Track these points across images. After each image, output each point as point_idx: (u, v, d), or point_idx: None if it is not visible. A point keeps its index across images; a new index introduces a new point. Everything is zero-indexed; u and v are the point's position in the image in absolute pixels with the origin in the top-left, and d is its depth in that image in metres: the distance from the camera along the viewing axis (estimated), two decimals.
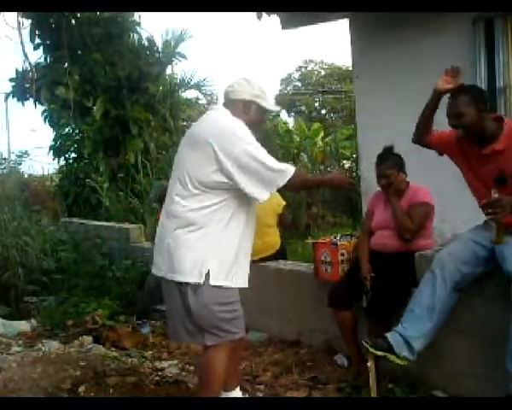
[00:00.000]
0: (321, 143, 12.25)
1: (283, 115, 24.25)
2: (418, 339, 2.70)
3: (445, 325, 2.77)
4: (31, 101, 8.28)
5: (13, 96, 8.39)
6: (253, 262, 4.42)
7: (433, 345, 2.81)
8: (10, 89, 8.43)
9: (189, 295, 2.47)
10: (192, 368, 3.66)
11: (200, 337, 2.55)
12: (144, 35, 9.47)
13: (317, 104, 29.72)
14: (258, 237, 4.36)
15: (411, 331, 2.70)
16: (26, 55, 7.34)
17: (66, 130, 10.25)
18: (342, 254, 3.51)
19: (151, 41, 9.25)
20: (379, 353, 2.72)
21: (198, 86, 10.57)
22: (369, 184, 4.59)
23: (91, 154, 9.06)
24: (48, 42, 7.85)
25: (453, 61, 4.47)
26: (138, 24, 9.04)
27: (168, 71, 10.33)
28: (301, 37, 73.07)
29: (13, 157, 12.43)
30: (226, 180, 2.45)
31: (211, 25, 56.22)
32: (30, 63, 7.56)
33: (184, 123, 10.80)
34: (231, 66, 47.60)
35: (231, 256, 2.56)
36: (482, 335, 2.80)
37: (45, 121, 10.03)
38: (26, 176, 12.88)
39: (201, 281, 2.46)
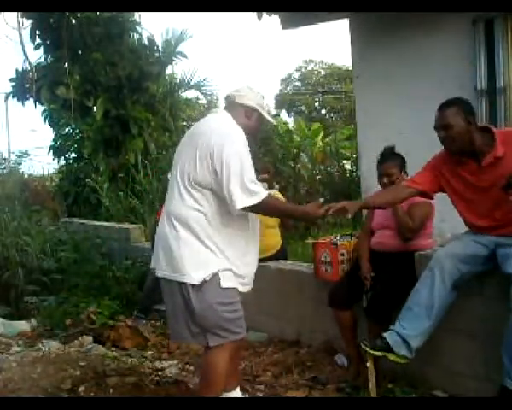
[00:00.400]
0: (321, 143, 12.25)
1: (283, 115, 24.26)
2: (416, 337, 2.70)
3: (445, 324, 2.77)
4: (31, 101, 8.27)
5: (13, 96, 8.38)
6: None
7: (432, 345, 2.81)
8: (10, 89, 8.43)
9: (191, 296, 2.47)
10: (192, 368, 3.66)
11: (203, 338, 2.55)
12: (144, 35, 9.49)
13: (317, 104, 29.72)
14: (259, 238, 4.38)
15: (409, 330, 2.70)
16: (26, 55, 7.34)
17: (66, 130, 10.24)
18: (342, 254, 3.51)
19: (151, 41, 9.25)
20: (377, 353, 2.72)
21: (198, 86, 10.57)
22: (369, 184, 4.60)
23: (91, 154, 9.05)
24: (48, 42, 7.84)
25: (453, 61, 4.52)
26: (138, 24, 9.04)
27: (168, 71, 10.34)
28: (301, 37, 73.16)
29: (13, 157, 12.43)
30: (213, 181, 2.47)
31: (211, 25, 56.28)
32: (30, 63, 7.56)
33: (184, 123, 10.79)
34: (231, 66, 47.64)
35: (236, 257, 2.56)
36: (482, 334, 2.80)
37: (45, 121, 10.03)
38: (26, 176, 12.87)
39: (203, 282, 2.46)
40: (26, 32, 7.26)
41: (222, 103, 11.80)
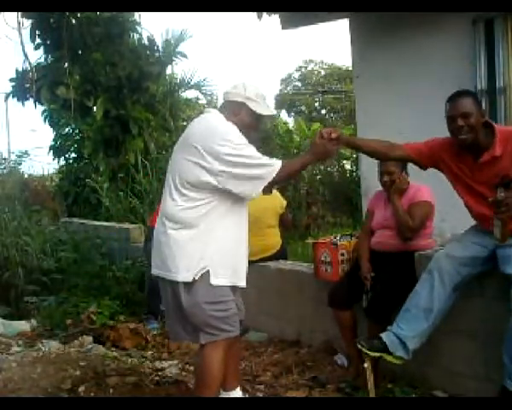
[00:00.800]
0: None
1: (283, 115, 24.26)
2: (413, 339, 2.69)
3: (445, 324, 2.77)
4: (31, 101, 8.27)
5: (13, 96, 8.38)
6: (253, 262, 4.46)
7: (432, 345, 2.82)
8: (10, 89, 8.43)
9: (181, 294, 2.50)
10: (192, 368, 3.66)
11: (196, 336, 2.57)
12: (144, 35, 9.48)
13: (317, 104, 29.69)
14: (260, 238, 4.39)
15: (407, 331, 2.69)
16: (26, 55, 7.34)
17: (66, 130, 10.24)
18: (342, 254, 3.52)
19: (151, 41, 9.25)
20: (374, 354, 2.72)
21: (198, 86, 10.57)
22: (369, 184, 4.60)
23: (91, 154, 9.05)
24: (48, 42, 7.84)
25: (453, 61, 4.52)
26: (138, 24, 9.04)
27: (168, 71, 10.34)
28: (301, 37, 73.14)
29: (13, 157, 12.43)
30: (214, 182, 2.49)
31: (211, 25, 56.27)
32: (30, 63, 7.56)
33: (184, 123, 10.78)
34: (231, 66, 47.61)
35: (227, 255, 2.57)
36: (482, 335, 2.80)
37: (45, 121, 10.02)
38: (26, 176, 12.87)
39: (192, 279, 2.48)
40: (26, 32, 7.26)
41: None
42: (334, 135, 2.64)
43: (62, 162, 10.41)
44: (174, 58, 9.96)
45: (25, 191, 11.11)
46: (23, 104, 8.65)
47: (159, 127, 9.64)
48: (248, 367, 3.61)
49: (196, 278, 2.49)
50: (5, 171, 11.97)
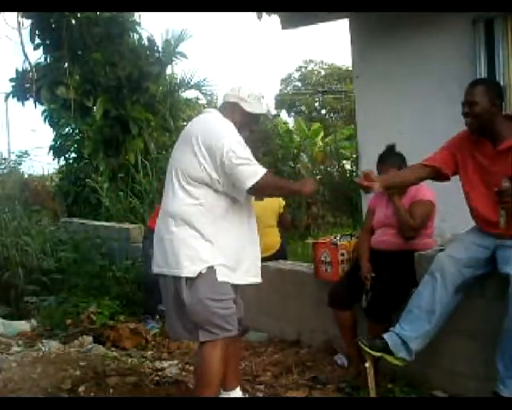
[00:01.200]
0: (321, 143, 12.25)
1: (283, 115, 24.25)
2: (416, 340, 2.69)
3: (445, 325, 2.77)
4: (31, 101, 8.27)
5: (13, 96, 8.38)
6: None
7: (433, 345, 2.81)
8: (10, 89, 8.42)
9: (183, 290, 2.51)
10: (192, 368, 3.66)
11: (196, 334, 2.57)
12: (144, 35, 9.48)
13: (317, 104, 29.69)
14: (259, 238, 4.39)
15: (409, 332, 2.69)
16: (26, 55, 7.34)
17: (66, 130, 10.24)
18: (342, 254, 3.52)
19: (151, 41, 9.24)
20: (376, 353, 2.72)
21: (198, 86, 10.57)
22: None
23: (91, 154, 9.05)
24: (48, 42, 7.84)
25: (453, 61, 4.51)
26: (138, 24, 9.04)
27: (168, 71, 10.34)
28: (301, 37, 73.11)
29: (13, 157, 12.42)
30: (211, 177, 2.53)
31: (211, 25, 56.25)
32: (30, 63, 7.56)
33: (184, 123, 10.78)
34: (231, 66, 47.63)
35: (231, 251, 2.59)
36: (482, 335, 2.80)
37: (45, 121, 10.03)
38: (26, 176, 12.87)
39: (197, 275, 2.49)
40: (26, 32, 7.26)
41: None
42: (375, 184, 2.73)
43: (62, 162, 10.41)
44: (174, 58, 9.96)
45: (25, 191, 11.11)
46: (23, 104, 8.65)
47: (159, 127, 9.64)
48: (248, 367, 3.61)
49: (202, 273, 2.50)
50: (5, 171, 11.97)
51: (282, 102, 28.88)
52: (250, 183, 2.47)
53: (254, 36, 61.28)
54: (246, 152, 2.54)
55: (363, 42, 5.11)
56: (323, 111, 29.19)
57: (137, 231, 6.33)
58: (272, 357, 3.78)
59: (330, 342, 3.75)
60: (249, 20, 22.93)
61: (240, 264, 2.65)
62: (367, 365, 2.84)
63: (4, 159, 12.40)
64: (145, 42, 9.31)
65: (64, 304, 5.25)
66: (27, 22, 7.17)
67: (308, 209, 9.00)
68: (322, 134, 12.96)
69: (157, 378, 3.35)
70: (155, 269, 2.65)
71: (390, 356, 2.69)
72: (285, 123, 13.07)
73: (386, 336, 2.74)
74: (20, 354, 3.68)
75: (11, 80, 8.43)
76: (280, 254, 4.53)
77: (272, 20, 5.06)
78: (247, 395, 3.00)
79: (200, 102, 14.02)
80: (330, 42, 53.28)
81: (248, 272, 2.71)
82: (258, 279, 2.78)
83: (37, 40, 8.11)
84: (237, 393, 2.83)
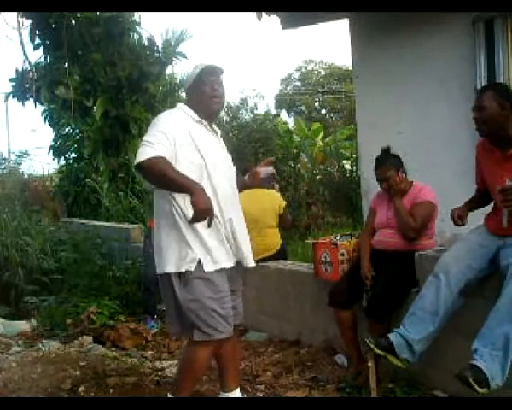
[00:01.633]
0: (321, 143, 12.25)
1: (283, 115, 24.25)
2: (420, 341, 2.68)
3: (446, 325, 2.77)
4: (31, 101, 8.26)
5: (13, 96, 8.37)
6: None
7: (433, 345, 2.81)
8: (10, 89, 8.42)
9: (176, 287, 2.50)
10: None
11: (191, 331, 2.56)
12: (144, 35, 9.47)
13: (317, 104, 29.69)
14: (260, 238, 4.39)
15: (413, 334, 2.68)
16: (26, 55, 7.33)
17: (66, 130, 10.25)
18: (342, 254, 3.52)
19: (151, 41, 9.23)
20: (381, 352, 2.71)
21: None
22: (369, 184, 4.60)
23: (91, 154, 9.05)
24: (48, 42, 7.83)
25: (453, 61, 4.51)
26: (138, 24, 9.03)
27: (168, 71, 10.33)
28: (301, 37, 73.11)
29: (13, 157, 12.42)
30: None
31: (211, 25, 56.24)
32: (30, 63, 7.55)
33: None
34: (231, 66, 47.59)
35: (211, 241, 2.52)
36: None
37: (45, 121, 10.03)
38: (26, 176, 12.88)
39: (189, 273, 2.47)
40: (26, 32, 7.25)
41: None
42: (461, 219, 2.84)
43: (62, 162, 10.42)
44: (174, 58, 9.95)
45: (25, 191, 11.11)
46: (23, 104, 8.64)
47: None
48: (248, 367, 3.61)
49: (191, 270, 2.47)
50: (5, 171, 11.97)
51: (282, 102, 28.87)
52: (136, 160, 2.38)
53: (254, 36, 61.30)
54: (154, 137, 2.43)
55: (363, 42, 5.11)
56: (323, 111, 29.19)
57: (137, 231, 6.33)
58: (272, 357, 3.78)
59: (330, 342, 3.75)
60: (249, 20, 22.94)
61: (222, 249, 2.57)
62: (369, 364, 2.84)
63: (4, 159, 12.39)
64: (145, 42, 9.31)
65: (64, 304, 5.25)
66: (27, 22, 7.16)
67: (308, 209, 9.00)
68: (322, 134, 12.96)
69: (157, 378, 3.35)
70: (157, 271, 2.65)
71: (394, 358, 2.68)
72: (285, 123, 13.06)
73: (391, 335, 2.73)
74: (20, 354, 3.68)
75: (11, 80, 8.42)
76: (280, 255, 4.53)
77: (272, 20, 5.06)
78: (245, 396, 3.00)
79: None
80: (330, 42, 53.32)
81: (247, 252, 2.67)
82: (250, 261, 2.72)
83: (37, 40, 8.11)
84: (236, 395, 2.81)
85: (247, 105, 10.41)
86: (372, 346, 2.72)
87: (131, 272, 5.58)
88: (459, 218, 2.82)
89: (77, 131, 9.94)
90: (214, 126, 2.77)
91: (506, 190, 2.44)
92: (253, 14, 4.90)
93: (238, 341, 3.02)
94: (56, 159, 10.36)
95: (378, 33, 4.92)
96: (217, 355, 2.72)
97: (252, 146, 8.51)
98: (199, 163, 2.53)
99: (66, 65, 8.13)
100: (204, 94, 2.64)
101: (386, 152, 3.38)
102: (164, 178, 2.41)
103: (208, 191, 2.48)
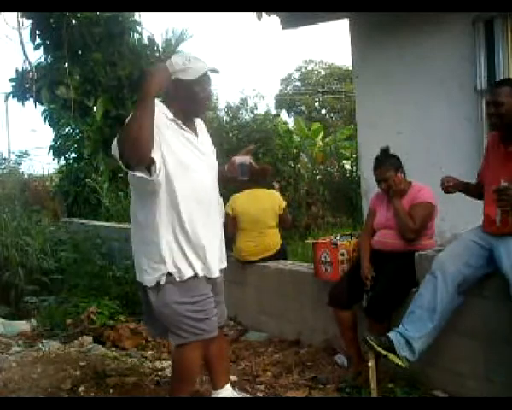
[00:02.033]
0: (321, 143, 12.25)
1: (283, 115, 24.25)
2: (419, 339, 2.70)
3: (445, 325, 2.77)
4: (31, 101, 8.25)
5: (13, 96, 8.36)
6: (253, 262, 4.47)
7: (433, 345, 2.81)
8: (10, 89, 8.42)
9: (149, 293, 2.47)
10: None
11: (166, 336, 2.56)
12: (145, 35, 9.47)
13: (317, 104, 29.70)
14: (260, 238, 4.40)
15: (412, 332, 2.70)
16: (26, 55, 7.31)
17: (66, 130, 10.24)
18: (342, 254, 3.52)
19: (152, 40, 9.23)
20: (382, 351, 2.72)
21: None
22: (369, 184, 4.59)
23: (91, 154, 9.05)
24: (48, 42, 7.81)
25: (453, 61, 4.51)
26: (139, 24, 9.02)
27: None
28: (301, 37, 73.11)
29: (13, 157, 12.41)
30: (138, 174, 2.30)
31: (211, 25, 56.24)
32: (30, 63, 7.54)
33: None
34: (231, 66, 47.59)
35: (178, 249, 2.44)
36: (482, 335, 2.80)
37: (45, 121, 10.01)
38: (26, 176, 12.88)
39: (156, 281, 2.42)
40: (26, 32, 7.25)
41: (222, 103, 11.65)
42: (451, 183, 2.90)
43: (62, 162, 10.41)
44: None
45: (25, 191, 11.11)
46: (23, 104, 8.63)
47: None
48: (248, 367, 3.61)
49: (162, 283, 2.42)
50: (5, 171, 11.97)
51: (282, 102, 28.88)
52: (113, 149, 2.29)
53: (254, 36, 61.29)
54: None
55: (363, 42, 5.11)
56: (323, 111, 29.21)
57: None
58: (272, 357, 3.78)
59: (330, 342, 3.75)
60: (249, 20, 22.95)
61: (194, 257, 2.48)
62: (370, 364, 2.84)
63: (4, 159, 12.39)
64: (145, 42, 9.30)
65: (64, 304, 5.24)
66: (27, 22, 7.16)
67: (308, 209, 8.99)
68: (322, 134, 12.96)
69: (157, 378, 3.35)
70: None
71: (395, 357, 2.69)
72: (285, 123, 13.04)
73: (390, 334, 2.74)
74: (20, 354, 3.68)
75: (11, 80, 8.41)
76: (280, 255, 4.53)
77: (272, 20, 5.06)
78: (243, 395, 3.00)
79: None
80: (330, 42, 53.33)
81: (216, 262, 2.57)
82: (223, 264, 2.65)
83: (38, 40, 8.10)
84: (227, 391, 2.78)
85: (247, 105, 10.39)
86: (373, 345, 2.72)
87: (131, 272, 5.56)
88: (448, 181, 2.89)
89: (77, 131, 9.94)
90: (198, 120, 2.61)
91: (500, 191, 2.46)
92: (253, 14, 4.89)
93: (225, 340, 3.01)
94: (56, 159, 10.36)
95: (378, 33, 4.92)
96: (203, 357, 2.67)
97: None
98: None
99: (67, 65, 8.11)
100: (183, 97, 2.45)
101: (385, 152, 3.38)
102: (134, 124, 2.22)
103: (167, 196, 2.38)
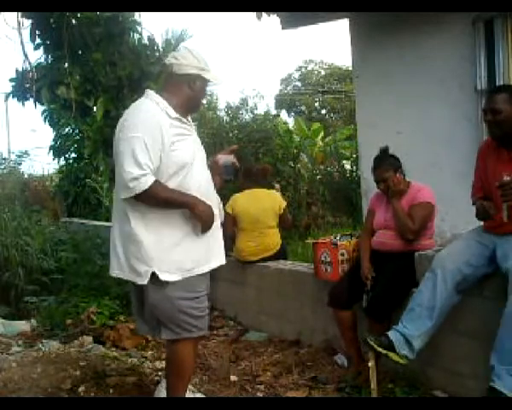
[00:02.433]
0: (321, 143, 12.24)
1: (283, 115, 24.25)
2: (418, 337, 2.70)
3: (445, 324, 2.78)
4: (31, 101, 8.25)
5: (13, 96, 8.36)
6: (253, 262, 4.47)
7: (433, 345, 2.81)
8: (10, 89, 8.41)
9: (149, 289, 2.45)
10: (191, 374, 3.65)
11: (158, 331, 2.56)
12: (145, 35, 9.47)
13: (317, 104, 29.70)
14: (260, 238, 4.40)
15: (411, 330, 2.70)
16: (26, 55, 7.31)
17: (66, 130, 10.24)
18: (342, 254, 3.52)
19: (152, 40, 9.23)
20: (383, 351, 2.72)
21: None
22: (369, 184, 4.59)
23: (91, 154, 9.05)
24: (48, 42, 7.81)
25: (453, 61, 4.51)
26: (139, 24, 9.02)
27: None
28: (301, 37, 73.10)
29: (13, 157, 12.42)
30: None
31: (211, 25, 56.24)
32: (30, 63, 7.54)
33: None
34: (231, 66, 47.59)
35: (191, 243, 2.48)
36: (482, 335, 2.80)
37: (45, 121, 10.02)
38: (26, 176, 12.87)
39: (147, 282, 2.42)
40: (26, 32, 7.25)
41: (222, 103, 11.63)
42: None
43: (62, 162, 10.41)
44: None
45: (25, 191, 11.10)
46: (23, 104, 8.63)
47: None
48: (248, 367, 3.61)
49: (146, 282, 2.42)
50: (5, 171, 11.97)
51: (282, 102, 28.87)
52: (131, 192, 2.36)
53: (254, 36, 61.29)
54: (138, 154, 2.32)
55: (363, 42, 5.11)
56: (323, 111, 29.20)
57: None
58: (272, 357, 3.78)
59: (330, 342, 3.75)
60: (249, 20, 22.97)
61: (208, 247, 2.54)
62: (370, 364, 2.84)
63: (4, 159, 12.38)
64: (145, 42, 9.30)
65: (64, 304, 5.23)
66: (27, 22, 7.16)
67: (308, 209, 8.99)
68: (322, 134, 12.95)
69: (157, 378, 3.35)
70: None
71: (395, 355, 2.69)
72: (285, 123, 13.04)
73: (389, 333, 2.75)
74: (20, 354, 3.67)
75: (11, 80, 8.41)
76: (280, 255, 4.53)
77: (272, 20, 5.06)
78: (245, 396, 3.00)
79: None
80: (330, 42, 53.31)
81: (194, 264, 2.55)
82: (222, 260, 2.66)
83: (38, 40, 8.10)
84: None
85: (247, 105, 10.39)
86: (374, 345, 2.73)
87: None
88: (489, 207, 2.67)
89: (77, 131, 9.94)
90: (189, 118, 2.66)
91: (504, 185, 2.45)
92: (253, 14, 4.89)
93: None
94: (56, 159, 10.36)
95: (378, 33, 4.92)
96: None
97: (252, 146, 8.49)
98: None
99: (67, 65, 8.11)
100: (197, 94, 2.56)
101: (384, 152, 3.37)
102: (164, 202, 2.38)
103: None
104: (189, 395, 2.80)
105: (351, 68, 5.90)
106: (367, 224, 3.50)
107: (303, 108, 29.42)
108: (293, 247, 6.65)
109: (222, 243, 2.68)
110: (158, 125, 2.38)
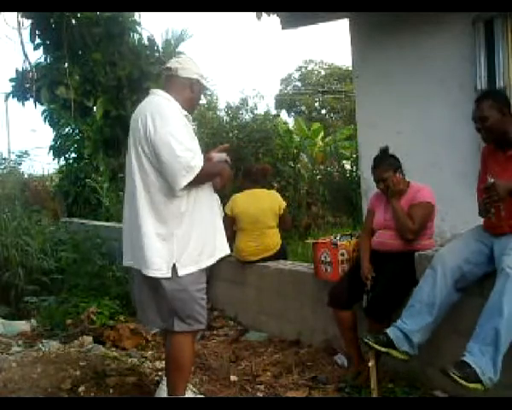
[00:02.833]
0: (321, 143, 12.24)
1: (283, 115, 24.25)
2: (417, 332, 2.71)
3: (445, 324, 2.78)
4: (31, 101, 8.26)
5: (13, 96, 8.36)
6: (253, 262, 4.47)
7: (433, 345, 2.81)
8: (10, 89, 8.41)
9: (164, 281, 2.55)
10: (191, 368, 3.66)
11: (171, 323, 2.62)
12: (144, 35, 9.47)
13: (317, 104, 29.70)
14: (260, 238, 4.40)
15: (411, 325, 2.71)
16: (26, 55, 7.32)
17: (66, 130, 10.24)
18: (342, 254, 3.52)
19: (151, 40, 9.23)
20: (382, 349, 2.72)
21: None
22: (369, 184, 4.59)
23: (91, 154, 9.05)
24: (48, 42, 7.82)
25: (453, 61, 4.51)
26: (138, 24, 9.02)
27: None
28: (301, 37, 73.13)
29: (13, 157, 12.42)
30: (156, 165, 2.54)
31: (211, 25, 56.25)
32: (30, 63, 7.54)
33: None
34: (231, 66, 47.59)
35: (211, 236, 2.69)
36: None
37: (45, 121, 10.03)
38: (26, 176, 12.87)
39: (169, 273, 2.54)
40: (26, 32, 7.25)
41: (222, 103, 11.62)
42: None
43: (62, 162, 10.41)
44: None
45: (25, 191, 11.10)
46: (23, 104, 8.63)
47: None
48: (248, 367, 3.61)
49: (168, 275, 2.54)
50: (5, 171, 11.97)
51: (282, 102, 28.87)
52: (191, 176, 2.55)
53: (254, 36, 61.30)
54: (184, 142, 2.58)
55: (363, 42, 5.11)
56: (323, 111, 29.21)
57: None
58: (272, 357, 3.78)
59: (330, 342, 3.75)
60: (249, 20, 23.01)
61: (207, 247, 2.68)
62: (370, 364, 2.84)
63: (4, 159, 12.39)
64: (145, 42, 9.30)
65: (64, 304, 5.24)
66: (27, 22, 7.16)
67: (308, 209, 8.99)
68: (322, 134, 12.95)
69: (157, 378, 3.35)
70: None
71: (395, 351, 2.70)
72: (285, 123, 13.02)
73: (388, 330, 2.75)
74: (20, 354, 3.68)
75: (11, 80, 8.41)
76: (280, 255, 4.53)
77: (272, 20, 5.06)
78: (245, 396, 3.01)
79: (200, 101, 14.01)
80: (330, 42, 53.33)
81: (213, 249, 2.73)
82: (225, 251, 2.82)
83: (38, 40, 8.09)
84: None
85: (247, 105, 10.37)
86: (372, 344, 2.73)
87: (131, 272, 5.57)
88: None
89: (77, 131, 9.94)
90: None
91: (488, 187, 2.47)
92: (253, 14, 4.89)
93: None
94: (56, 159, 10.37)
95: (378, 33, 4.92)
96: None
97: (252, 146, 8.48)
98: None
99: (67, 65, 8.11)
100: (196, 96, 2.81)
101: (384, 152, 3.37)
102: (211, 176, 2.71)
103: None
104: (190, 395, 2.81)
105: (351, 68, 5.90)
106: (367, 224, 3.50)
107: (303, 108, 29.42)
108: (293, 247, 6.65)
109: (224, 232, 2.83)
110: (182, 117, 2.64)
